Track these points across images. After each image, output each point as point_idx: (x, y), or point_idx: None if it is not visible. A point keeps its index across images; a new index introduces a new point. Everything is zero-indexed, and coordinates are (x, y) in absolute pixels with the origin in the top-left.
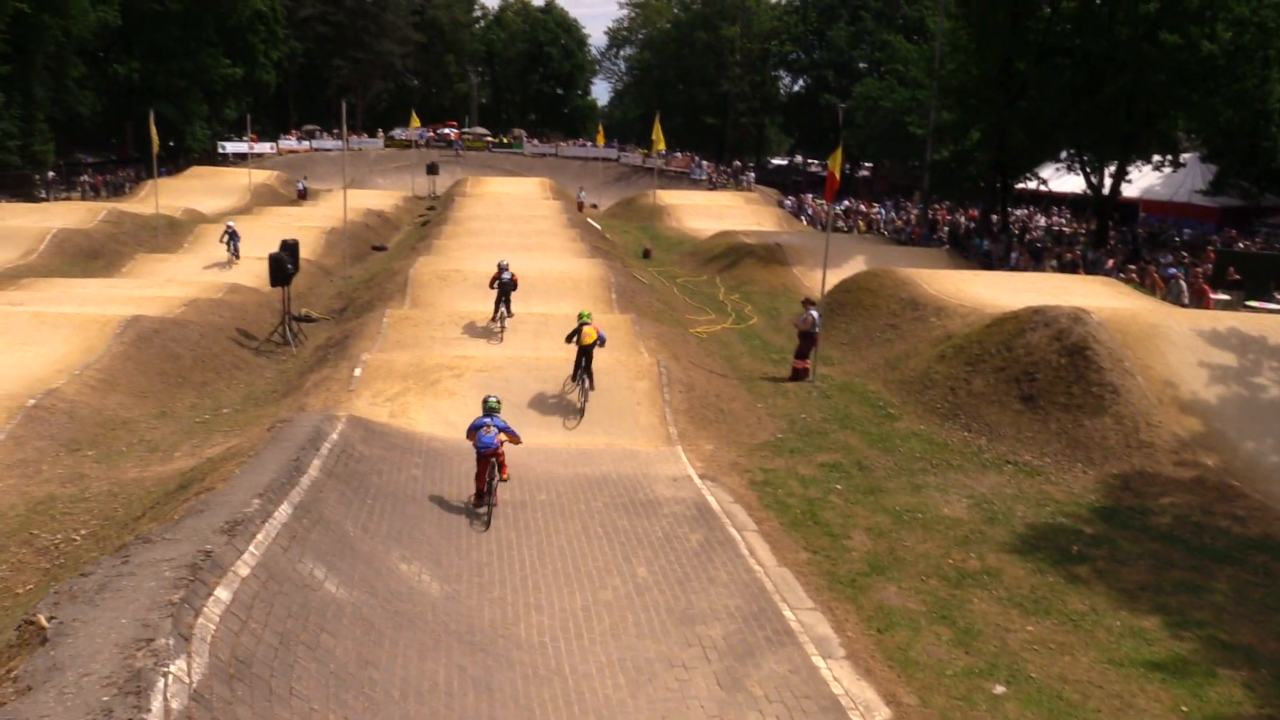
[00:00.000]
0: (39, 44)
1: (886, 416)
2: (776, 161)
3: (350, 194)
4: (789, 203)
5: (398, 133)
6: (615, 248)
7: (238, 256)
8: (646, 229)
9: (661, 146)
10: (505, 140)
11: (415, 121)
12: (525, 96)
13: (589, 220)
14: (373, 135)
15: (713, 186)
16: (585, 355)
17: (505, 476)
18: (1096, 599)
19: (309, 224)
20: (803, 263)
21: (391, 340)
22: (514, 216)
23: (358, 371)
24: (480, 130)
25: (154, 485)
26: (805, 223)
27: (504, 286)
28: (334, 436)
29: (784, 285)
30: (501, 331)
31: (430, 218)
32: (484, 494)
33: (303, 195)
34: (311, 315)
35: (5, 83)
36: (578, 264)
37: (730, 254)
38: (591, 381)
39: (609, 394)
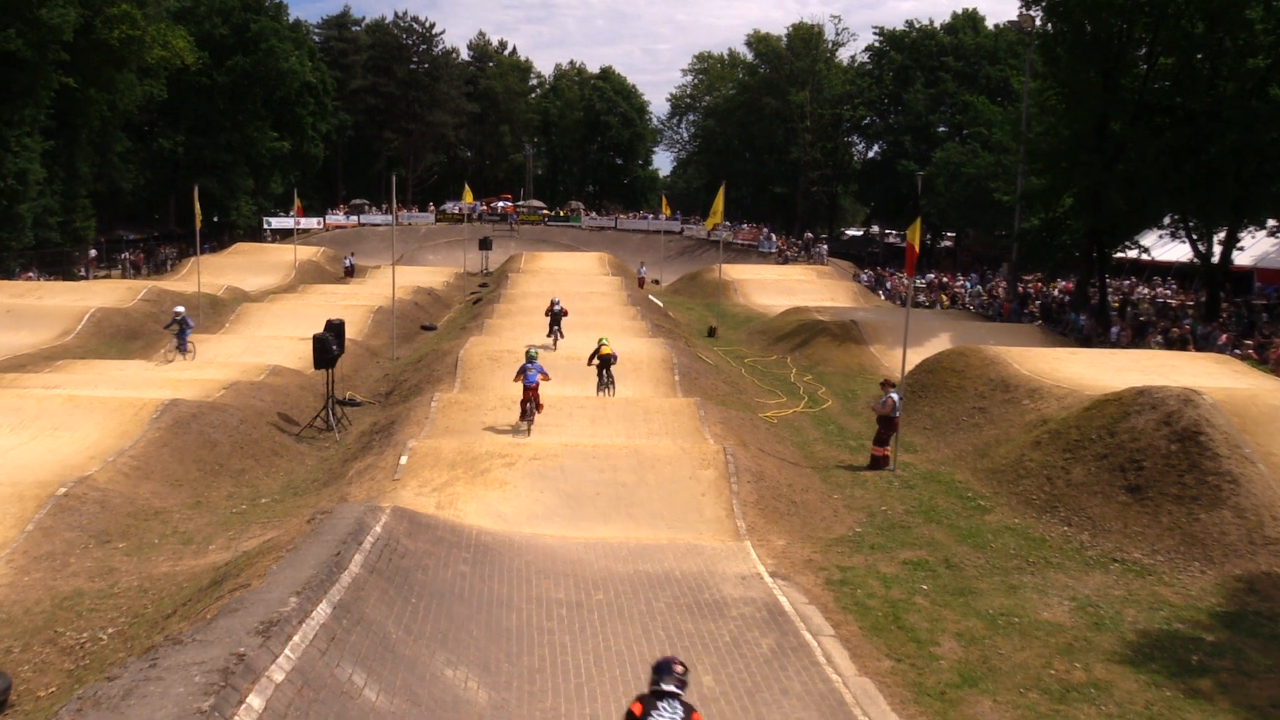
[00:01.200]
0: (84, 119)
1: (976, 509)
2: (851, 232)
3: (399, 271)
4: (865, 276)
5: (449, 206)
6: (678, 326)
7: (185, 351)
8: (712, 306)
9: (718, 219)
10: (562, 214)
11: (468, 195)
12: (583, 167)
13: (650, 297)
14: (423, 209)
15: (783, 260)
16: (605, 368)
17: (542, 408)
18: (1221, 717)
19: (356, 303)
20: (881, 340)
21: (440, 426)
22: (571, 294)
23: (404, 459)
24: (536, 203)
25: (186, 581)
26: (883, 298)
27: (555, 316)
28: (377, 529)
29: (861, 365)
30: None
31: (482, 295)
32: (526, 413)
33: (350, 272)
34: (356, 399)
35: (49, 158)
36: (638, 343)
37: (802, 332)
38: (613, 386)
39: (671, 485)
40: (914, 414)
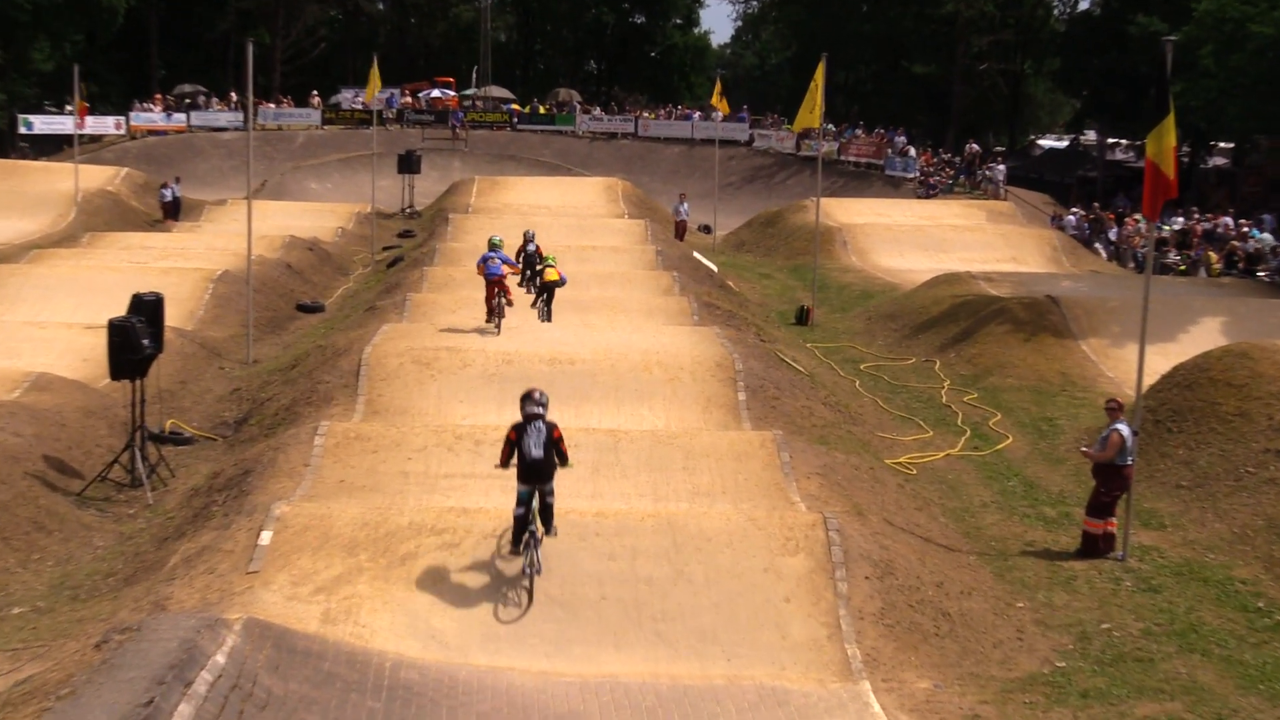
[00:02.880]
0: None
1: (1272, 630)
2: (1048, 143)
3: (261, 209)
4: (1072, 219)
5: (345, 98)
6: (744, 305)
7: None
8: (803, 270)
9: (815, 119)
10: (544, 110)
11: (376, 79)
12: (579, 31)
13: (696, 255)
14: (301, 104)
15: (928, 191)
16: (548, 293)
17: (510, 301)
18: None
19: (183, 264)
20: (1101, 332)
21: (330, 478)
22: (559, 250)
23: (265, 537)
24: (498, 93)
25: None
26: (1105, 256)
27: (529, 259)
28: (219, 660)
29: (1064, 374)
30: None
31: (404, 252)
32: (493, 311)
33: (172, 211)
34: (183, 432)
35: None
36: (673, 336)
37: (961, 316)
38: (549, 314)
39: (731, 581)
40: (1159, 461)
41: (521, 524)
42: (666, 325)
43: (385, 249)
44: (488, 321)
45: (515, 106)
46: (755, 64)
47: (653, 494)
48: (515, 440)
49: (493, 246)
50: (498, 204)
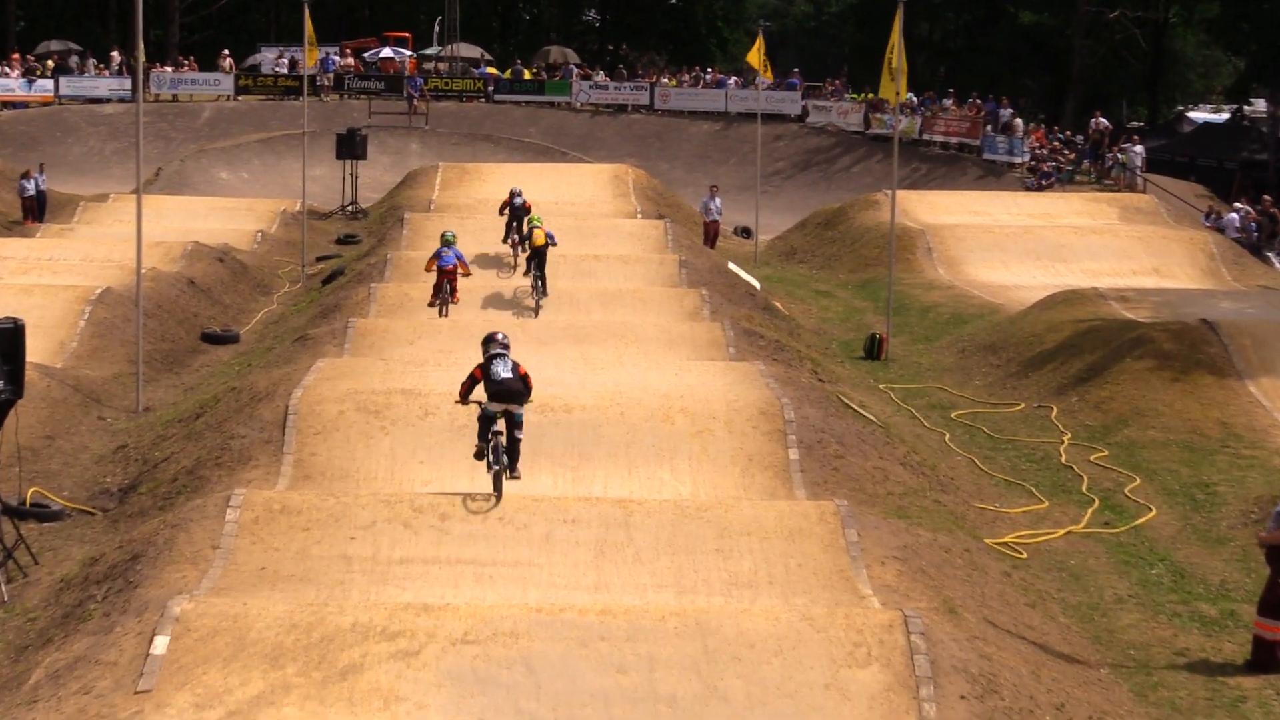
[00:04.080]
0: None
1: None
2: (1200, 116)
3: (156, 206)
4: (1235, 216)
5: (264, 60)
6: (796, 333)
7: None
8: (873, 287)
9: (898, 87)
10: (529, 75)
11: (310, 36)
12: None
13: (732, 267)
14: (207, 68)
15: (1040, 181)
16: (538, 260)
17: (456, 299)
18: None
19: (50, 280)
20: (1275, 369)
21: (247, 564)
22: (549, 259)
23: (161, 644)
24: (467, 52)
25: None
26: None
27: (516, 212)
28: None
29: (1224, 425)
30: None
31: (345, 264)
32: (441, 293)
33: (36, 208)
34: (50, 504)
35: None
36: (702, 375)
37: (1085, 346)
38: (544, 286)
39: (780, 700)
40: None
41: (486, 424)
42: (693, 360)
43: (320, 259)
44: (433, 300)
45: (491, 71)
46: (809, 13)
47: (676, 585)
48: (480, 376)
49: (446, 243)
50: (469, 199)
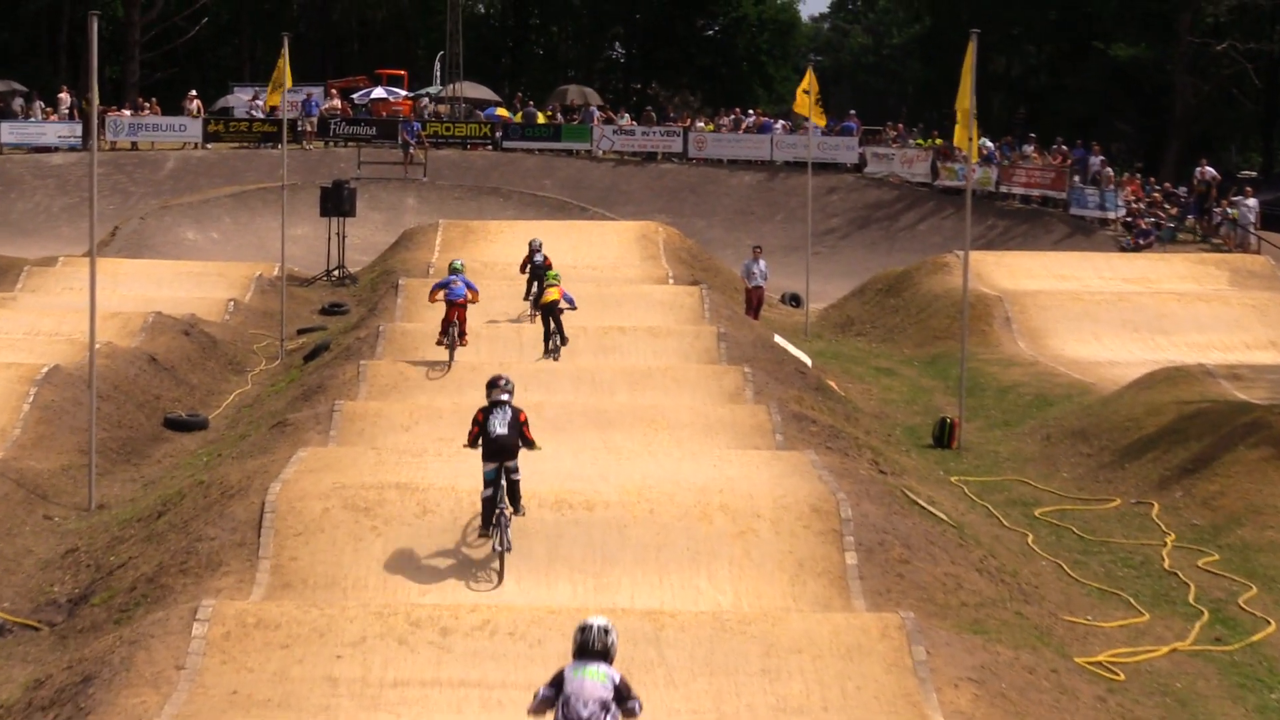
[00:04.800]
0: None
1: None
2: None
3: (112, 271)
4: None
5: (240, 101)
6: (854, 417)
7: None
8: (942, 363)
9: (968, 134)
10: (545, 117)
11: (286, 73)
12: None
13: (779, 340)
14: (172, 110)
15: (1139, 240)
16: (551, 317)
17: (465, 342)
18: None
19: None
20: None
21: (218, 687)
22: (568, 330)
23: None
24: (474, 94)
25: None
26: None
27: (536, 271)
28: None
29: None
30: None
31: (330, 338)
32: (448, 336)
33: None
34: None
35: None
36: (744, 466)
37: (1192, 432)
38: (563, 337)
39: None
40: None
41: (490, 505)
42: (734, 449)
43: (302, 332)
44: (440, 339)
45: (501, 113)
46: (867, 46)
47: (715, 711)
48: (482, 422)
49: (454, 271)
50: (474, 262)
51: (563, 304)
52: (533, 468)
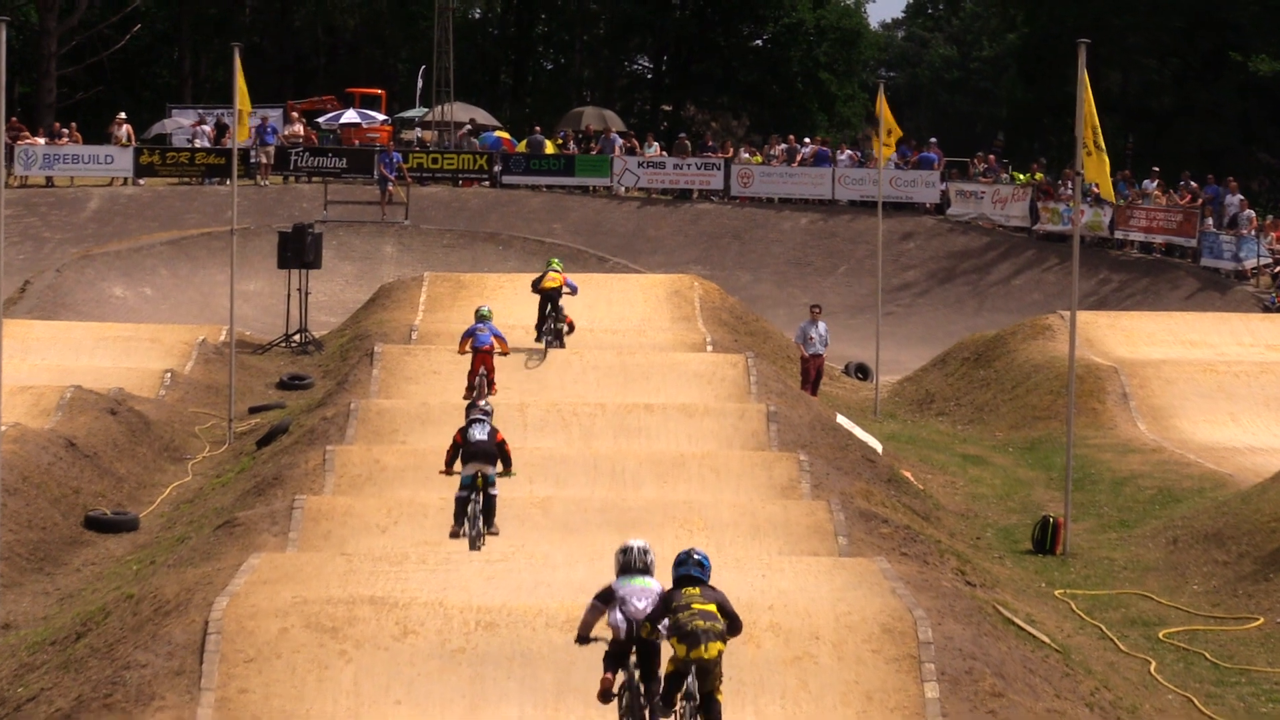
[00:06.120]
0: None
1: None
2: None
3: (21, 335)
4: None
5: (179, 126)
6: (934, 516)
7: None
8: (1045, 447)
9: (1102, 177)
10: (555, 146)
11: (244, 96)
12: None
13: (841, 421)
14: (97, 137)
15: None
16: (551, 304)
17: (494, 391)
18: None
19: None
20: None
21: None
22: (574, 410)
23: None
24: (464, 116)
25: None
26: None
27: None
28: None
29: None
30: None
31: (290, 417)
32: (475, 388)
33: None
34: None
35: None
36: (800, 575)
37: None
38: (569, 325)
39: None
40: None
41: (462, 506)
42: (787, 555)
43: (255, 411)
44: (467, 393)
45: (502, 137)
46: (951, 59)
47: None
48: (460, 442)
49: (481, 318)
50: (466, 323)
51: (565, 289)
52: (539, 578)
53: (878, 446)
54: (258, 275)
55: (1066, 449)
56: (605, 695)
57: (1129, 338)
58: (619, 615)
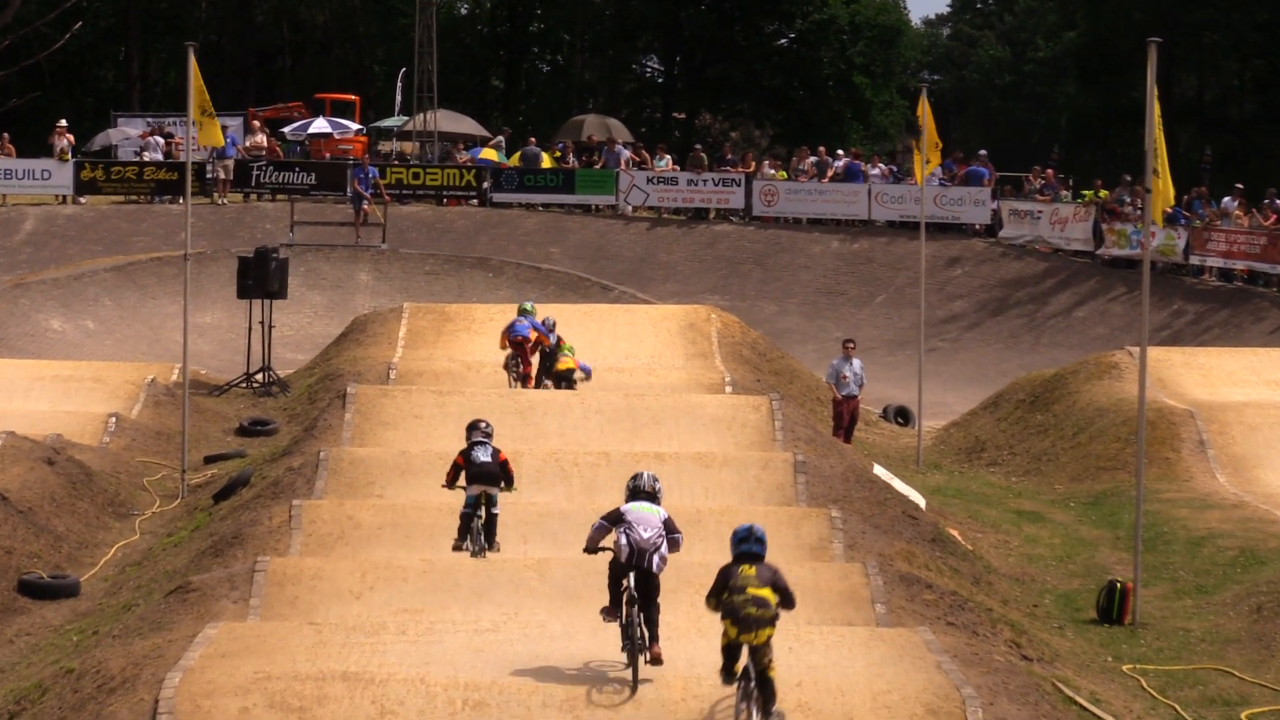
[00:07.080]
0: None
1: None
2: None
3: None
4: None
5: (125, 138)
6: (985, 581)
7: None
8: (1111, 502)
9: (1157, 200)
10: (553, 159)
11: (204, 97)
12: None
13: (879, 472)
14: (33, 150)
15: None
16: (565, 384)
17: (530, 370)
18: None
19: None
20: None
21: None
22: (575, 460)
23: None
24: (453, 127)
25: None
26: None
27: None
28: None
29: None
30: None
31: (251, 467)
32: (514, 369)
33: None
34: None
35: None
36: (833, 649)
37: None
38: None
39: None
40: None
41: (467, 520)
42: (817, 624)
43: (211, 460)
44: (510, 381)
45: (489, 154)
46: (1003, 60)
47: None
48: (462, 463)
49: (523, 311)
50: (452, 361)
51: (579, 374)
52: (534, 650)
53: (920, 501)
54: (214, 306)
55: (1136, 504)
56: (609, 614)
57: (1206, 377)
58: (624, 539)
